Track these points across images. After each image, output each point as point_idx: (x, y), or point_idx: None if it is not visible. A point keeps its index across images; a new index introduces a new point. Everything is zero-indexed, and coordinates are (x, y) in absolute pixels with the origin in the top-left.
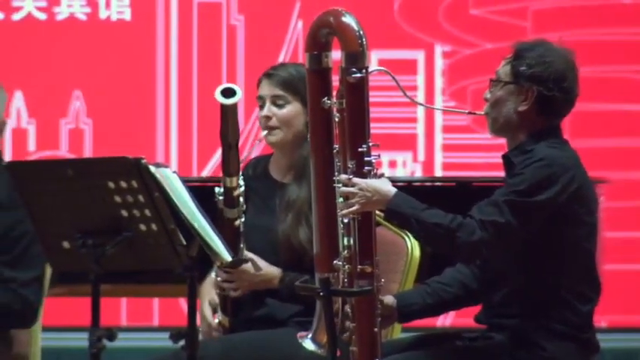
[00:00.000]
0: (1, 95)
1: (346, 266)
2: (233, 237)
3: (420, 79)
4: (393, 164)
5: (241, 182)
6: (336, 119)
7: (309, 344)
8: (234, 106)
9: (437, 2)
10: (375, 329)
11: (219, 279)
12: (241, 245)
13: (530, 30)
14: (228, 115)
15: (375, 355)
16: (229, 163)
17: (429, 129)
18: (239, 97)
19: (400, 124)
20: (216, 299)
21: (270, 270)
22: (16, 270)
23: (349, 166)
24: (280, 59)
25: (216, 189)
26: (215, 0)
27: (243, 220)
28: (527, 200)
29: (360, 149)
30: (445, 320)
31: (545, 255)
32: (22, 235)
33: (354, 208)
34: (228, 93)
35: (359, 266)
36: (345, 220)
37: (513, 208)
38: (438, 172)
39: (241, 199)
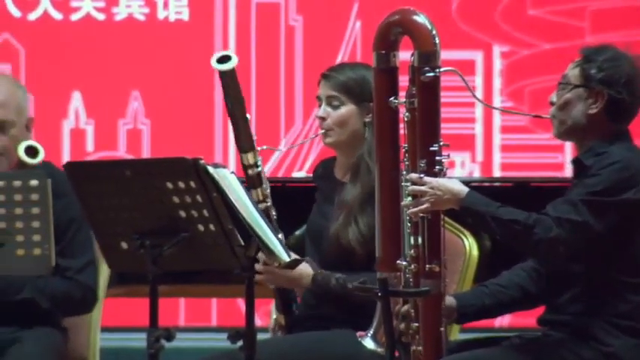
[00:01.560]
0: (25, 94)
1: (412, 265)
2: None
3: (478, 80)
4: (451, 164)
5: (259, 161)
6: (406, 118)
7: (369, 343)
8: (232, 72)
9: (495, 2)
10: (441, 329)
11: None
12: (279, 234)
13: (588, 30)
14: (227, 82)
15: (440, 355)
16: (241, 137)
17: (488, 129)
18: (235, 63)
19: (459, 125)
20: None
21: (303, 268)
22: (68, 258)
23: (419, 165)
24: (338, 60)
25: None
26: (273, 0)
27: (269, 203)
28: (604, 200)
29: (431, 148)
30: (503, 321)
31: (615, 255)
32: (69, 223)
33: (424, 206)
34: (225, 60)
35: (427, 265)
36: (414, 220)
37: (590, 207)
38: (496, 173)
39: (263, 178)
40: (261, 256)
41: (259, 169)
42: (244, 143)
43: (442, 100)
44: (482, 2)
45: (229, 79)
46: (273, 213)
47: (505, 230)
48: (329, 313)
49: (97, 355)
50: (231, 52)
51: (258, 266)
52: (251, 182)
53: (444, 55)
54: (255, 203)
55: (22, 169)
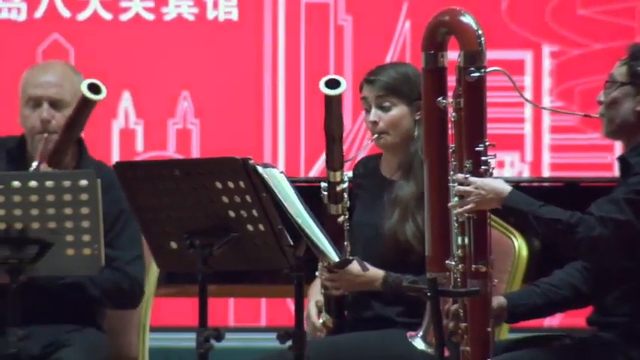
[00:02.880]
0: (81, 78)
1: (460, 265)
2: (337, 234)
3: (528, 80)
4: (500, 164)
5: (345, 178)
6: (453, 119)
7: (419, 343)
8: (339, 97)
9: (544, 2)
10: (488, 329)
11: (323, 277)
12: (345, 243)
13: (638, 30)
14: (332, 106)
15: (487, 355)
16: (333, 157)
17: (537, 129)
18: (343, 88)
19: (508, 125)
20: (322, 300)
21: (373, 271)
22: (117, 249)
23: (466, 165)
24: (387, 60)
25: (322, 184)
26: (323, 0)
27: (347, 216)
28: None
29: (477, 148)
30: (552, 321)
31: None
32: (119, 214)
33: (469, 206)
34: (333, 84)
35: (473, 265)
36: (460, 219)
37: (633, 206)
38: (546, 173)
39: (345, 195)
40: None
41: (345, 185)
42: (336, 163)
43: (491, 100)
44: (532, 2)
45: (335, 104)
46: (347, 225)
47: (547, 229)
48: (378, 312)
49: (147, 355)
50: (340, 77)
51: (324, 274)
52: (334, 198)
53: (494, 54)
54: (305, 203)
55: (70, 159)
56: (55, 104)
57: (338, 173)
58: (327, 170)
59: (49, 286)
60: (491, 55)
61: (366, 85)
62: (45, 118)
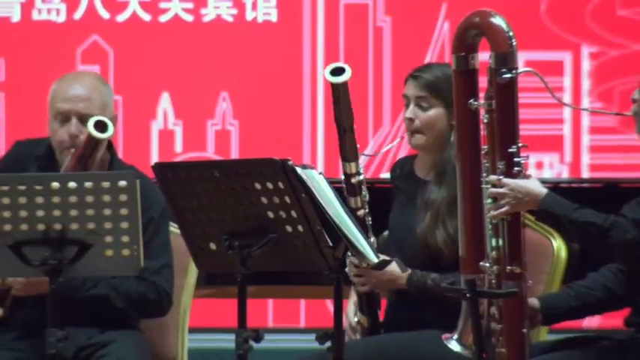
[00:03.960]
0: (110, 91)
1: (494, 267)
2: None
3: (567, 81)
4: (539, 165)
5: (361, 170)
6: (485, 120)
7: (454, 345)
8: (345, 85)
9: (584, 3)
10: (524, 330)
11: (350, 274)
12: (372, 239)
13: None
14: (339, 94)
15: (524, 357)
16: (345, 147)
17: (576, 130)
18: (349, 75)
19: (547, 126)
20: None
21: (396, 269)
22: (144, 259)
23: (498, 167)
24: (426, 61)
25: (342, 176)
26: (362, 1)
27: (367, 210)
28: None
29: (509, 150)
30: (591, 322)
31: None
32: (147, 223)
33: (504, 209)
34: (338, 72)
35: (507, 267)
36: (494, 221)
37: None
38: (585, 174)
39: (364, 187)
40: (352, 259)
41: (361, 177)
42: (349, 153)
43: (530, 101)
44: (571, 3)
45: (342, 92)
46: (369, 219)
47: (581, 232)
48: (415, 314)
49: (186, 356)
50: (345, 64)
51: (353, 269)
52: (352, 190)
53: (532, 55)
54: (344, 204)
55: (103, 163)
56: (84, 119)
57: (353, 164)
58: (341, 162)
59: (74, 297)
60: (529, 56)
61: (410, 80)
62: (73, 134)
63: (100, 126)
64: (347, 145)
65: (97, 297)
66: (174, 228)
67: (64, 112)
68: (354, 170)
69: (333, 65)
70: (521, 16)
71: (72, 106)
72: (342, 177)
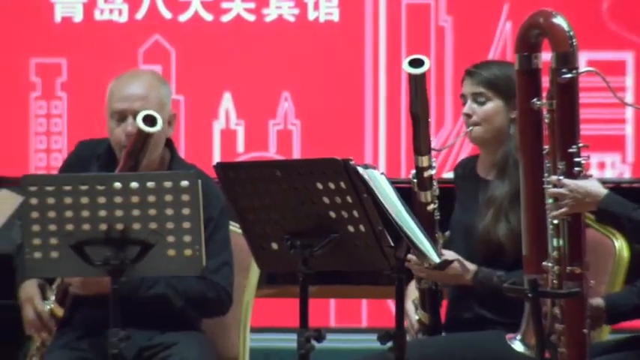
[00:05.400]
0: (167, 89)
1: (555, 267)
2: (427, 223)
3: (629, 80)
4: (601, 166)
5: (434, 164)
6: (546, 120)
7: (518, 346)
8: (423, 76)
9: None
10: (584, 330)
11: (413, 269)
12: (437, 234)
13: None
14: (416, 85)
15: (584, 357)
16: (419, 140)
17: (638, 130)
18: (427, 66)
19: (609, 126)
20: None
21: (466, 265)
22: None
23: (559, 167)
24: None
25: (412, 171)
26: (424, 1)
27: (436, 205)
28: None
29: (569, 150)
30: None
31: None
32: (206, 222)
33: (563, 209)
34: (417, 64)
35: (568, 267)
36: (555, 221)
37: None
38: None
39: (435, 182)
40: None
41: (432, 172)
42: (422, 146)
43: (591, 101)
44: (633, 2)
45: (420, 83)
46: (437, 214)
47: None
48: (476, 313)
49: (247, 355)
50: (424, 57)
51: (415, 266)
52: (422, 184)
53: (594, 55)
54: (406, 204)
55: (163, 161)
56: None
57: (425, 158)
58: (414, 155)
59: (133, 298)
60: (592, 56)
61: (466, 76)
62: (130, 132)
63: (149, 120)
64: (421, 137)
65: (156, 297)
66: (235, 227)
67: (121, 111)
68: (426, 164)
69: (411, 57)
70: (583, 16)
71: (128, 105)
72: (414, 170)
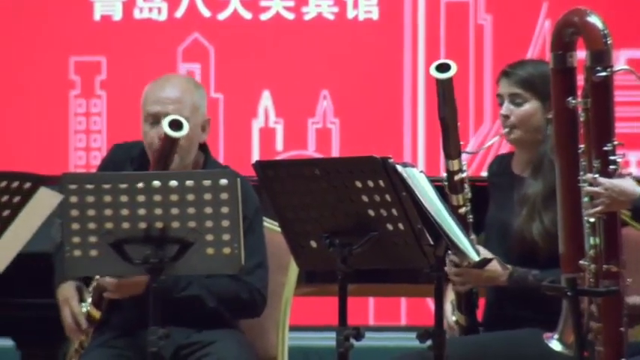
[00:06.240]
0: (202, 94)
1: (592, 266)
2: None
3: None
4: (626, 164)
5: (464, 167)
6: (582, 119)
7: (555, 345)
8: (450, 81)
9: None
10: (621, 329)
11: (450, 272)
12: (472, 236)
13: None
14: (444, 90)
15: (621, 355)
16: (448, 144)
17: None
18: (454, 71)
19: (635, 123)
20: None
21: (499, 266)
22: None
23: (594, 165)
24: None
25: (443, 174)
26: None
27: (469, 208)
28: None
29: (605, 148)
30: None
31: None
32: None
33: (599, 208)
34: (444, 68)
35: (604, 265)
36: (591, 220)
37: None
38: None
39: (466, 185)
40: (451, 258)
41: (463, 175)
42: (452, 151)
43: (629, 99)
44: None
45: (447, 88)
46: (470, 217)
47: None
48: (514, 312)
49: (286, 354)
50: (451, 61)
51: (452, 269)
52: (454, 188)
53: (633, 53)
54: (445, 202)
55: (197, 164)
56: None
57: (456, 162)
58: (444, 159)
59: (166, 298)
60: (630, 54)
61: (502, 77)
62: (162, 136)
63: (176, 125)
64: (450, 141)
65: (190, 298)
66: (274, 226)
67: (154, 113)
68: (456, 167)
69: (438, 61)
70: (622, 14)
71: (162, 108)
72: (445, 174)
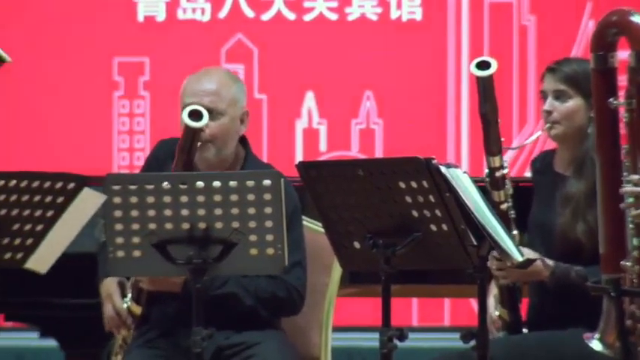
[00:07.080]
0: (240, 87)
1: (635, 267)
2: (503, 222)
3: None
4: None
5: (505, 164)
6: (625, 119)
7: (596, 345)
8: (490, 78)
9: None
10: None
11: (492, 267)
12: (514, 232)
13: None
14: (484, 88)
15: None
16: (490, 141)
17: None
18: (494, 69)
19: None
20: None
21: (542, 262)
22: None
23: (639, 166)
24: None
25: (486, 170)
26: (506, 0)
27: (510, 204)
28: None
29: None
30: None
31: None
32: None
33: None
34: (484, 66)
35: None
36: (636, 221)
37: None
38: None
39: (507, 181)
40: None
41: (504, 171)
42: (493, 147)
43: None
44: None
45: (487, 85)
46: (512, 213)
47: None
48: (558, 312)
49: (329, 354)
50: (491, 58)
51: (495, 263)
52: (495, 184)
53: None
54: (489, 203)
55: (237, 159)
56: (210, 113)
57: (497, 158)
58: (485, 156)
59: (203, 296)
60: None
61: (547, 73)
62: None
63: (196, 115)
64: (491, 138)
65: (226, 296)
66: (317, 226)
67: (191, 105)
68: (497, 164)
69: (478, 59)
70: None
71: (198, 100)
72: (486, 171)
